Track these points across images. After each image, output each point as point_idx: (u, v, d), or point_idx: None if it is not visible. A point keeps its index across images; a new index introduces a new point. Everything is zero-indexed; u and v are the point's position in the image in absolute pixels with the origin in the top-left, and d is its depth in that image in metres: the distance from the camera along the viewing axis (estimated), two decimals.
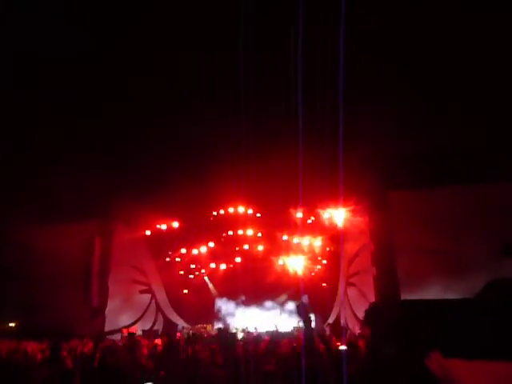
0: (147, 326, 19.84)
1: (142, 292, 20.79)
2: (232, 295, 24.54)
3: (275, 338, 15.50)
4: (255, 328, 20.27)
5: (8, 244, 17.87)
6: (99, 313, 18.86)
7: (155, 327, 20.75)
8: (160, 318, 21.68)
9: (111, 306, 18.95)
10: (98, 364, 7.35)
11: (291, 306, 23.42)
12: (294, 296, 23.32)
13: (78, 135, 14.87)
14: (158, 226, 21.06)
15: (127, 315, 19.52)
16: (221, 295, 24.66)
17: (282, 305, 23.38)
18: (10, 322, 18.25)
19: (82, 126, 14.56)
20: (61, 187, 15.86)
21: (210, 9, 12.25)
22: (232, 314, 24.23)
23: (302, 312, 4.02)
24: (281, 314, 23.38)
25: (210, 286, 24.56)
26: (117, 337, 17.95)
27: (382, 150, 15.86)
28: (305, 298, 20.50)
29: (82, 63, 13.59)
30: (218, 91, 13.81)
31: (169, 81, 14.30)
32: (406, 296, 17.58)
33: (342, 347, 7.58)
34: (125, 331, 17.93)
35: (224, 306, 24.63)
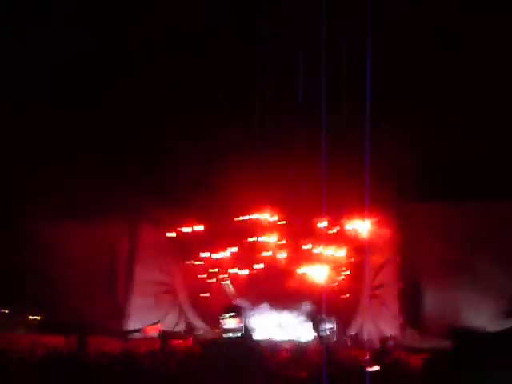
0: (169, 328, 20.02)
1: (165, 293, 21.02)
2: (252, 301, 24.49)
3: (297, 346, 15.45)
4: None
5: (35, 244, 18.33)
6: (123, 312, 19.19)
7: (176, 329, 20.91)
8: (182, 321, 21.84)
9: (135, 305, 19.25)
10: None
11: (311, 314, 23.21)
12: (315, 306, 23.11)
13: (104, 135, 15.22)
14: (183, 229, 21.28)
15: (151, 315, 19.76)
16: (241, 301, 24.64)
17: (302, 313, 23.19)
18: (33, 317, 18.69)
19: (109, 125, 14.89)
20: (87, 187, 16.24)
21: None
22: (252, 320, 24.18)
23: (317, 326, 4.01)
24: (301, 322, 23.18)
25: (231, 290, 24.60)
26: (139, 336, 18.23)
27: (408, 162, 15.75)
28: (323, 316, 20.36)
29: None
30: (243, 98, 14.00)
31: (198, 82, 14.52)
32: (430, 310, 17.34)
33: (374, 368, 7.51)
34: (147, 330, 18.16)
35: (245, 311, 24.62)
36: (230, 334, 8.83)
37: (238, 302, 21.29)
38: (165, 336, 16.89)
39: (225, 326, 8.94)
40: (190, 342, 17.16)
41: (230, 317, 8.96)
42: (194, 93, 14.98)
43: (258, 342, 10.46)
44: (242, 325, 8.84)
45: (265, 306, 23.87)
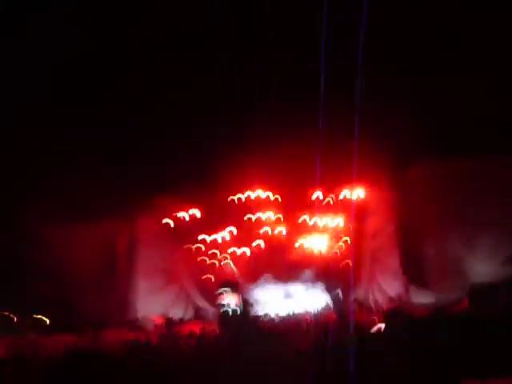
0: (179, 314, 20.15)
1: (169, 281, 21.04)
2: (256, 277, 24.70)
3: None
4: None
5: (38, 243, 18.18)
6: (127, 302, 19.24)
7: (186, 316, 21.03)
8: (190, 306, 21.94)
9: (139, 295, 19.29)
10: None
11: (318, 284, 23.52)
12: (319, 275, 23.41)
13: (99, 130, 14.98)
14: (180, 215, 21.21)
15: (157, 304, 19.83)
16: (246, 279, 24.82)
17: (309, 283, 23.46)
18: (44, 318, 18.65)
19: (103, 120, 14.65)
20: (85, 184, 16.04)
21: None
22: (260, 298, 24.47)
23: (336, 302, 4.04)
24: (308, 291, 23.47)
25: (234, 269, 24.73)
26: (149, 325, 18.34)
27: (401, 126, 15.77)
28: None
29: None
30: (237, 80, 13.79)
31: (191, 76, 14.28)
32: (432, 268, 17.71)
33: (380, 325, 7.69)
34: (156, 319, 18.26)
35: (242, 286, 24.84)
36: (229, 310, 8.90)
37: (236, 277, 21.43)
38: (171, 323, 16.99)
39: (222, 302, 8.98)
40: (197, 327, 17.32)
41: (226, 292, 9.00)
42: (184, 83, 14.74)
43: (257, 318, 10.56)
44: (238, 300, 8.87)
45: (269, 279, 24.06)
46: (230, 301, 8.83)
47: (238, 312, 8.76)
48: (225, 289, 8.95)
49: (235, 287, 9.10)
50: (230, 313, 8.78)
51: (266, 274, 23.55)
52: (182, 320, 19.63)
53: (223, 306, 8.70)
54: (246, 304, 10.21)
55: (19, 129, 13.99)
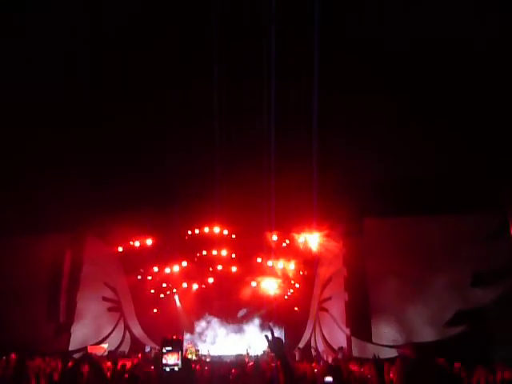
0: (113, 346, 19.31)
1: (110, 310, 20.29)
2: (202, 316, 24.23)
3: (243, 361, 15.29)
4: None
5: None
6: (65, 330, 18.31)
7: (121, 348, 20.20)
8: (127, 338, 21.14)
9: (77, 323, 18.44)
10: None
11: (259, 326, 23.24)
12: (265, 318, 23.16)
13: (55, 146, 14.65)
14: (131, 243, 20.73)
15: (94, 333, 18.98)
16: (190, 316, 24.25)
17: (244, 321, 23.12)
18: None
19: (56, 136, 14.35)
20: (30, 196, 15.52)
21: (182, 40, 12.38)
22: (203, 337, 23.87)
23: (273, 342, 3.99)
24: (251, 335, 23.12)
25: (178, 304, 24.16)
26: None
27: (357, 177, 16.11)
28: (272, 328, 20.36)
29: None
30: (193, 117, 13.91)
31: (147, 107, 14.33)
32: (376, 322, 17.72)
33: (328, 379, 7.53)
34: (90, 350, 17.39)
35: (196, 327, 24.26)
36: (167, 369, 8.75)
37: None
38: (113, 356, 16.20)
39: (163, 361, 8.79)
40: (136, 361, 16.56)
41: (168, 352, 8.82)
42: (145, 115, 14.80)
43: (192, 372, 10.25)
44: (178, 361, 8.71)
45: (215, 321, 23.65)
46: (170, 360, 8.68)
47: (176, 369, 8.59)
48: (167, 348, 8.76)
49: (176, 345, 8.90)
50: (168, 370, 8.59)
51: (210, 312, 23.16)
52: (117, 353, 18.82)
53: (164, 365, 8.56)
54: (187, 362, 9.98)
55: None
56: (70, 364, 11.68)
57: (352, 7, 11.01)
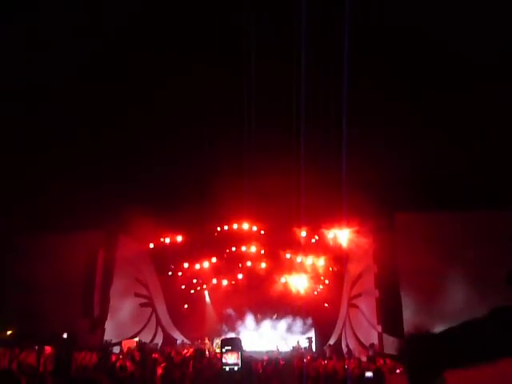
0: (146, 341, 19.68)
1: (142, 305, 20.69)
2: (232, 312, 24.37)
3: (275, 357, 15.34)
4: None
5: (11, 251, 17.92)
6: (99, 324, 18.79)
7: (155, 341, 20.60)
8: (159, 333, 21.53)
9: (111, 317, 18.88)
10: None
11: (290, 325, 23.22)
12: (296, 315, 23.15)
13: (86, 146, 15.01)
14: (161, 240, 21.07)
15: (127, 328, 19.40)
16: (220, 312, 24.45)
17: (277, 322, 23.17)
18: (8, 329, 18.14)
19: (90, 136, 14.70)
20: (65, 197, 15.96)
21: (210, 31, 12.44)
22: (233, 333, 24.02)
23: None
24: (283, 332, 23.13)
25: (208, 300, 24.42)
26: (116, 349, 17.84)
27: (387, 173, 15.88)
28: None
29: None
30: (224, 110, 13.97)
31: (178, 100, 14.46)
32: (408, 318, 17.49)
33: (369, 374, 7.57)
34: (124, 344, 17.81)
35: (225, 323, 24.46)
36: (227, 368, 8.91)
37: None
38: (143, 349, 16.55)
39: (223, 360, 8.97)
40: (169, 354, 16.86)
41: (227, 351, 9.01)
42: (176, 108, 14.93)
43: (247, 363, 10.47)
44: (238, 360, 8.90)
45: (249, 317, 23.73)
46: (230, 359, 8.91)
47: (236, 369, 8.81)
48: (227, 348, 9.00)
49: (235, 345, 9.14)
50: (228, 369, 8.84)
51: (248, 310, 23.27)
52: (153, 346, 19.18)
53: (223, 364, 8.84)
54: (246, 360, 10.20)
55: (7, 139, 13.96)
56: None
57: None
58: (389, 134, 13.94)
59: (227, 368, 8.89)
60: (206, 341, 20.95)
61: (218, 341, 22.38)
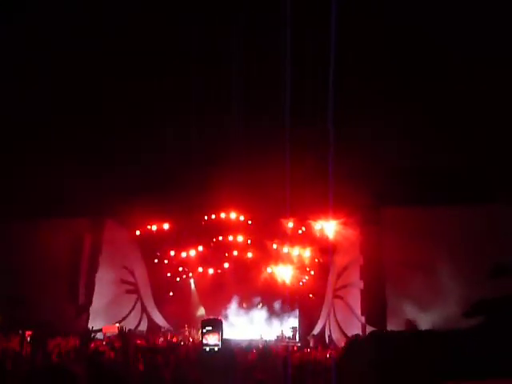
0: (131, 327, 19.68)
1: (128, 292, 20.68)
2: (217, 301, 24.44)
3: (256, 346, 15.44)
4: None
5: None
6: (84, 310, 18.77)
7: (139, 328, 20.62)
8: (144, 320, 21.55)
9: (96, 304, 18.86)
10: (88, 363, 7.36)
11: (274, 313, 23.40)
12: (281, 305, 23.32)
13: (71, 132, 14.87)
14: (148, 227, 21.00)
15: (112, 314, 19.39)
16: (204, 300, 24.52)
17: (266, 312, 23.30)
18: None
19: (75, 123, 14.56)
20: (51, 183, 15.83)
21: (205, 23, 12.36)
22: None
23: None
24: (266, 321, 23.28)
25: (193, 288, 24.45)
26: (100, 336, 17.82)
27: (375, 165, 15.95)
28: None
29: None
30: (213, 101, 13.92)
31: (168, 87, 14.39)
32: (391, 311, 17.71)
33: None
34: (105, 330, 17.77)
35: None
36: (207, 349, 8.91)
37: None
38: (124, 335, 16.55)
39: (204, 341, 8.97)
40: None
41: (208, 332, 9.00)
42: (164, 95, 14.82)
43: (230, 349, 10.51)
44: (219, 342, 8.91)
45: (233, 305, 23.83)
46: (211, 340, 8.92)
47: (216, 349, 8.83)
48: (208, 328, 9.01)
49: (217, 326, 9.15)
50: (208, 350, 8.85)
51: (233, 298, 23.38)
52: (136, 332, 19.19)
53: (203, 344, 8.85)
54: (226, 343, 10.22)
55: None
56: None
57: None
58: (377, 126, 13.98)
59: (207, 348, 8.93)
60: (187, 328, 21.03)
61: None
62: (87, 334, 16.69)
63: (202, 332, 9.24)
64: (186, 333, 20.91)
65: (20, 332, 13.59)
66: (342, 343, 18.66)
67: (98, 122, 14.99)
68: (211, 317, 10.12)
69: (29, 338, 12.79)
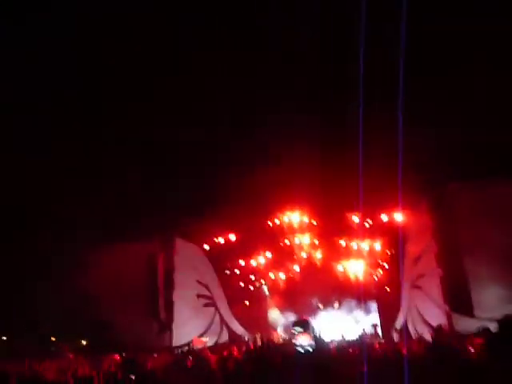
0: (213, 339, 20.06)
1: (206, 305, 21.08)
2: (293, 304, 24.37)
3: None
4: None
5: (77, 265, 18.64)
6: (166, 327, 19.29)
7: (220, 340, 20.91)
8: (225, 331, 21.86)
9: (177, 320, 19.33)
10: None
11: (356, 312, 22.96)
12: (358, 302, 22.88)
13: (126, 153, 15.38)
14: (215, 240, 21.40)
15: (193, 329, 19.82)
16: (280, 305, 24.51)
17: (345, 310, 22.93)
18: (83, 340, 18.96)
19: (140, 143, 15.06)
20: (121, 207, 16.45)
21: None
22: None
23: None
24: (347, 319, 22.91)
25: (267, 295, 24.51)
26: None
27: (442, 140, 15.35)
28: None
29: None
30: (276, 102, 13.97)
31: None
32: (476, 295, 16.88)
33: None
34: (195, 343, 18.17)
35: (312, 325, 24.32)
36: (301, 350, 8.89)
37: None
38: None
39: (296, 342, 8.98)
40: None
41: (300, 333, 9.01)
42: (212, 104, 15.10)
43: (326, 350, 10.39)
44: (312, 342, 8.87)
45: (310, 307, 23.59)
46: (303, 341, 8.97)
47: (310, 350, 8.89)
48: (299, 329, 9.07)
49: (307, 326, 9.21)
50: (303, 351, 8.90)
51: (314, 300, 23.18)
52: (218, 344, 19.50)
53: (297, 346, 8.89)
54: (319, 342, 10.21)
55: (49, 147, 14.51)
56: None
57: None
58: (444, 106, 13.51)
59: (301, 349, 8.84)
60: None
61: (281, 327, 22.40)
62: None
63: (292, 334, 9.19)
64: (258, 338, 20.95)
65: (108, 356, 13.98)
66: (427, 335, 18.00)
67: (161, 143, 15.52)
68: (299, 318, 10.09)
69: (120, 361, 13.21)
